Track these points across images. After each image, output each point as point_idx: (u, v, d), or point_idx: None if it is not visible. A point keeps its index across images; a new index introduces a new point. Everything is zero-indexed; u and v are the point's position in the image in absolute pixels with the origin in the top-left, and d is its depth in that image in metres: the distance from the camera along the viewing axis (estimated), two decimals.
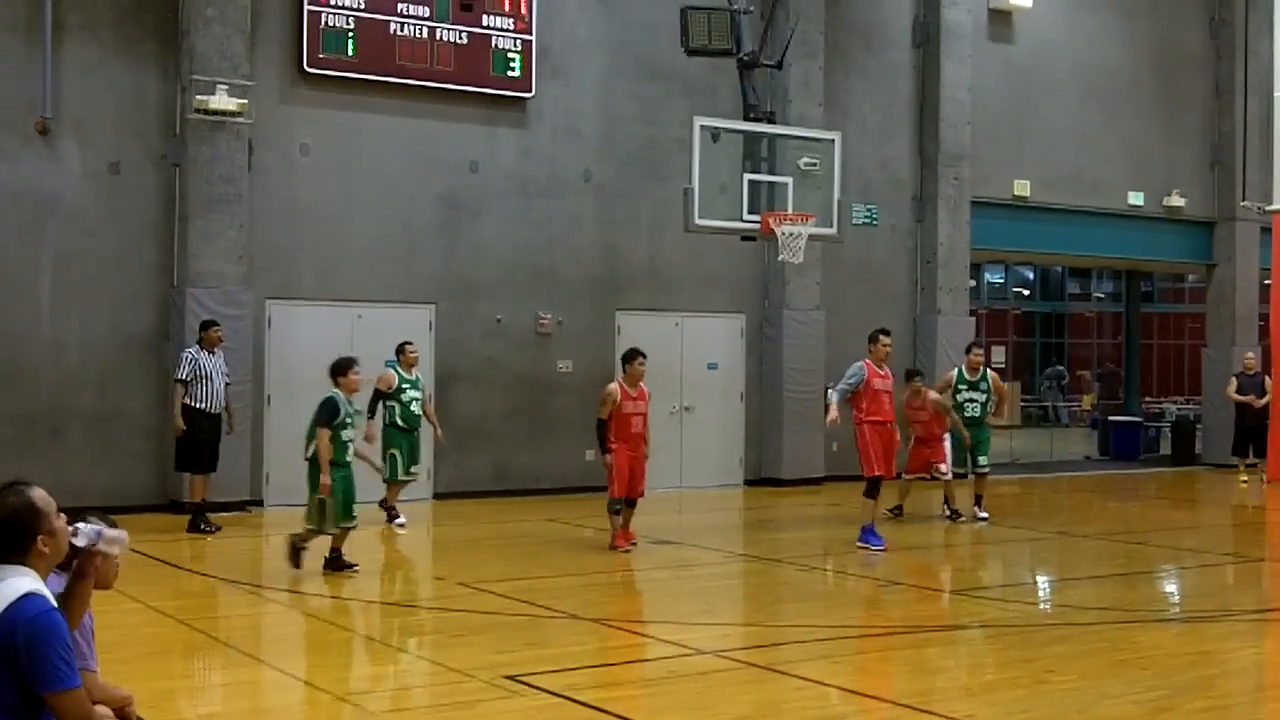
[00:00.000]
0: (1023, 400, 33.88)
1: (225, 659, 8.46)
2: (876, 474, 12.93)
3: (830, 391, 13.65)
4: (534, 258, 17.20)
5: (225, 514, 14.27)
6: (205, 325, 13.91)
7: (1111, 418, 26.17)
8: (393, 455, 14.03)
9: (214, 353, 13.77)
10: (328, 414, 10.92)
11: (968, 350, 15.71)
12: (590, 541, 13.33)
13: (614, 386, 12.61)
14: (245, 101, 14.84)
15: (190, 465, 13.72)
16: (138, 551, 12.20)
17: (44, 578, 3.98)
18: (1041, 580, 12.48)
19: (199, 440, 13.61)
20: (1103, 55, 22.09)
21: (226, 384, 13.91)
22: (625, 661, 8.52)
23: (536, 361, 17.12)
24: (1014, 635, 9.24)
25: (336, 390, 11.07)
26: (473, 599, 10.23)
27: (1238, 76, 22.88)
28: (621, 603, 10.75)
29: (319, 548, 11.11)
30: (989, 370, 15.63)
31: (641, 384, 12.66)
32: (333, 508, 10.87)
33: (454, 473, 16.60)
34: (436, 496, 16.46)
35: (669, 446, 17.23)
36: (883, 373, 13.16)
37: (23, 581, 3.88)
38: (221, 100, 14.64)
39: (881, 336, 13.31)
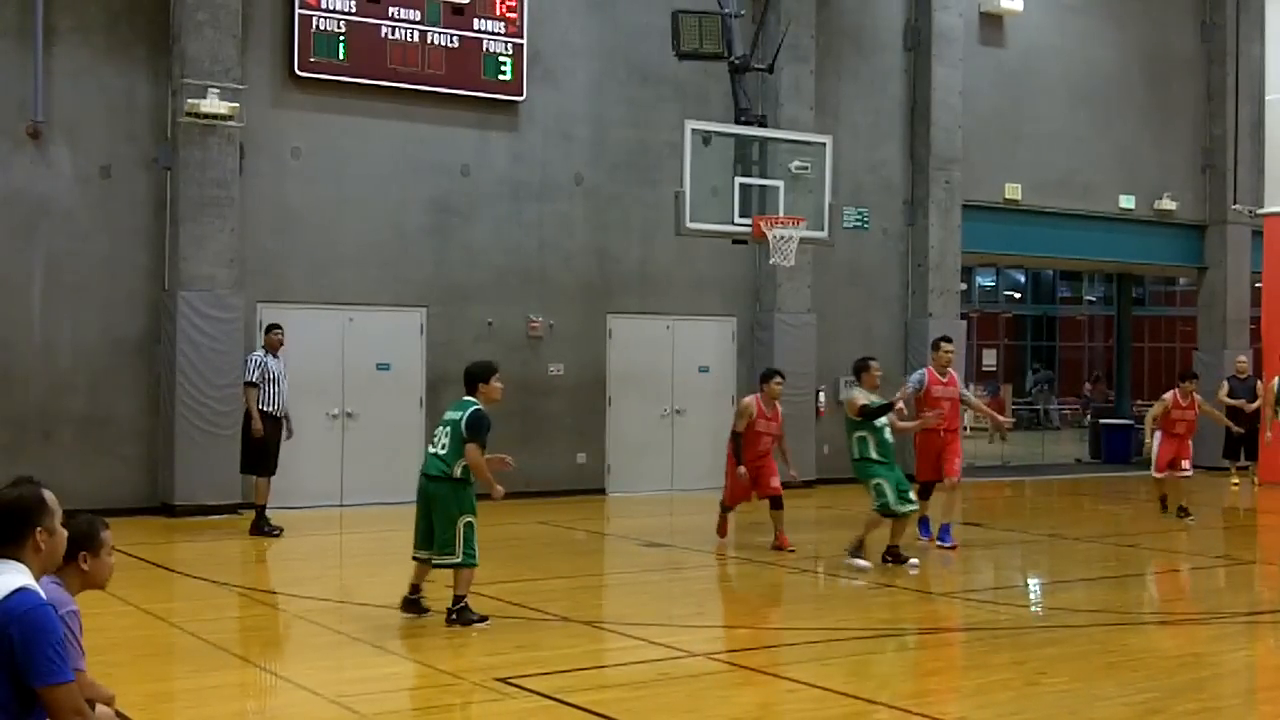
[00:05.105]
0: (1014, 403, 33.95)
1: (217, 662, 8.43)
2: (924, 479, 13.28)
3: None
4: (525, 261, 17.19)
5: (217, 517, 14.30)
6: (268, 329, 13.97)
7: (1103, 420, 26.21)
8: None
9: (277, 356, 13.80)
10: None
11: None
12: (581, 544, 13.32)
13: (750, 400, 13.13)
14: (236, 105, 14.82)
15: (254, 468, 13.70)
16: (130, 554, 12.19)
17: (37, 576, 4.01)
18: (1033, 582, 12.49)
19: (264, 443, 13.58)
20: (1094, 59, 22.14)
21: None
22: (617, 664, 8.51)
23: (528, 365, 17.09)
24: (1005, 637, 9.25)
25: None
26: None
27: (1229, 80, 22.94)
28: (613, 605, 10.74)
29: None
30: None
31: (777, 404, 13.25)
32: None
33: None
34: None
35: (660, 449, 17.25)
36: (944, 379, 13.25)
37: (15, 577, 3.92)
38: (213, 104, 14.62)
39: (943, 344, 13.46)
